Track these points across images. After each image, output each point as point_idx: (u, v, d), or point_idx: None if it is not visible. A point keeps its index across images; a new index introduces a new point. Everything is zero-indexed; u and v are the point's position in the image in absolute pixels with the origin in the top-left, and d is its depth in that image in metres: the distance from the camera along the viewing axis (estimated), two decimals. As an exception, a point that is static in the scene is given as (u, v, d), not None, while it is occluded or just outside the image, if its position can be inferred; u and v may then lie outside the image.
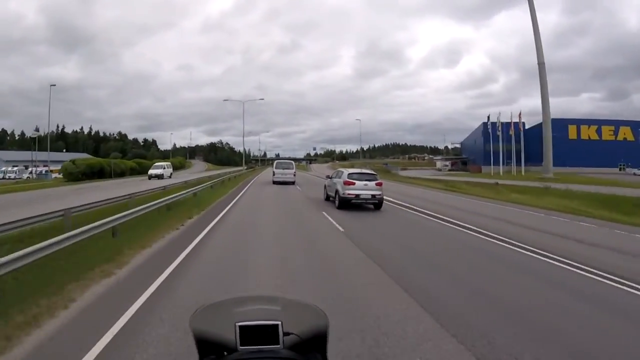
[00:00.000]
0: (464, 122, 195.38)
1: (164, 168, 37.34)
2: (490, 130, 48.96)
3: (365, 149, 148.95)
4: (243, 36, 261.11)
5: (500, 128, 48.24)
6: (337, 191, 13.35)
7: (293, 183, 25.56)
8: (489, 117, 49.92)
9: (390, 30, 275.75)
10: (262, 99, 55.97)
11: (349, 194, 12.68)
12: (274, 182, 25.62)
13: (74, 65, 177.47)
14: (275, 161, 30.41)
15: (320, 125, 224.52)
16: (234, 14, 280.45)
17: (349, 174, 13.20)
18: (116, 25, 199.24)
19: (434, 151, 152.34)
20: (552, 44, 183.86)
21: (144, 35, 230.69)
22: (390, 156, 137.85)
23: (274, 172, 26.62)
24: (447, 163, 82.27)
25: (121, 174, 42.78)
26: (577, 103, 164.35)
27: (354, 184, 12.76)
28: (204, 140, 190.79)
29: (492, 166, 48.87)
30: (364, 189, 12.78)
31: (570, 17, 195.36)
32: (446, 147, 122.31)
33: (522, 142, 48.20)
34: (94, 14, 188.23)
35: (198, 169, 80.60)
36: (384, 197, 13.66)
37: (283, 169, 26.43)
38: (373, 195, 12.89)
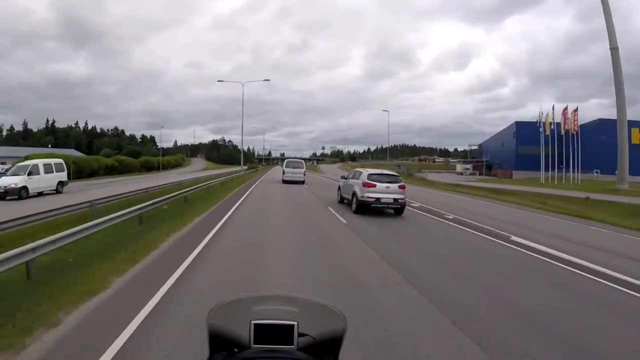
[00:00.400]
0: (471, 126, 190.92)
1: (31, 173, 16.85)
2: (541, 130, 40.62)
3: (372, 150, 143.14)
4: (253, 34, 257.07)
5: (553, 127, 40.04)
6: (354, 193, 12.20)
7: (303, 182, 24.76)
8: (540, 115, 41.44)
9: (401, 31, 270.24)
10: (268, 80, 49.12)
11: (368, 197, 11.57)
12: (284, 181, 24.73)
13: (83, 61, 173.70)
14: (286, 160, 29.58)
15: (328, 125, 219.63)
16: (244, 12, 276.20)
17: (369, 174, 12.04)
18: (126, 21, 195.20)
19: (444, 153, 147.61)
20: (563, 49, 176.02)
21: (153, 32, 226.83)
22: (399, 158, 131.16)
23: (283, 170, 26.17)
24: (469, 166, 74.24)
25: (91, 174, 35.13)
26: (585, 109, 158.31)
27: (374, 186, 11.65)
28: (210, 138, 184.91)
29: (542, 172, 40.59)
30: (385, 192, 11.62)
31: (582, 23, 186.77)
32: (456, 149, 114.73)
33: (579, 145, 39.92)
34: (104, 10, 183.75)
35: (194, 168, 73.99)
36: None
37: (293, 167, 25.78)
38: (395, 200, 11.70)
